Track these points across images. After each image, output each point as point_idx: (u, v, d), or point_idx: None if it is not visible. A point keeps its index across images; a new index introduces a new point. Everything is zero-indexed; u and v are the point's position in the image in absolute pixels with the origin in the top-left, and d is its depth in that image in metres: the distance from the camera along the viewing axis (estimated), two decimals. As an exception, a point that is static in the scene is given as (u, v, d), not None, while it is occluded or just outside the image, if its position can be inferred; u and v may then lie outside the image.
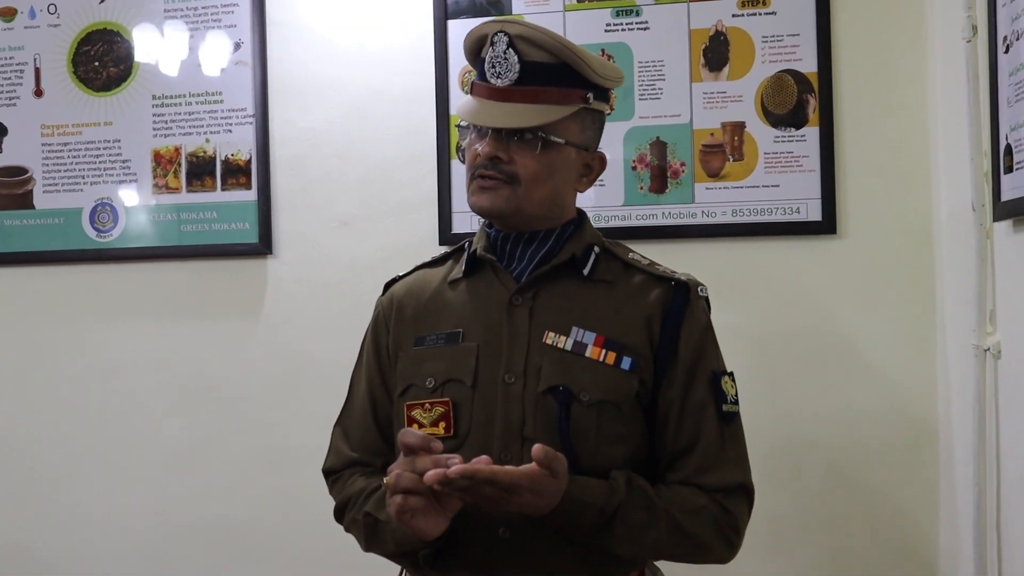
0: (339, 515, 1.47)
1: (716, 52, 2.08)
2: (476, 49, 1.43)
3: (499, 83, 1.37)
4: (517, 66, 1.36)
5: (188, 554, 2.33)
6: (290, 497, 2.25)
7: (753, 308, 2.08)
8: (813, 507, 2.06)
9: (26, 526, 2.40)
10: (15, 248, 2.40)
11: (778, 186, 2.06)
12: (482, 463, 1.19)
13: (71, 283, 2.40)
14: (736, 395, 1.43)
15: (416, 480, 1.20)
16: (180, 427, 2.33)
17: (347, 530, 1.46)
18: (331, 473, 1.51)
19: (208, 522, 2.31)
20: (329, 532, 2.19)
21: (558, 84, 1.37)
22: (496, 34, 1.38)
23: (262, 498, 2.29)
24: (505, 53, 1.37)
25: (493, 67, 1.38)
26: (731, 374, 1.44)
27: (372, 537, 1.39)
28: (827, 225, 2.04)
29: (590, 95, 1.40)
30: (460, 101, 1.45)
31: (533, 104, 1.36)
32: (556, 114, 1.37)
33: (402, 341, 1.46)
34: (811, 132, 2.05)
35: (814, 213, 2.04)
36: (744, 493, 1.39)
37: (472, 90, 1.42)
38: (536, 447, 1.20)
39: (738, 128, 2.07)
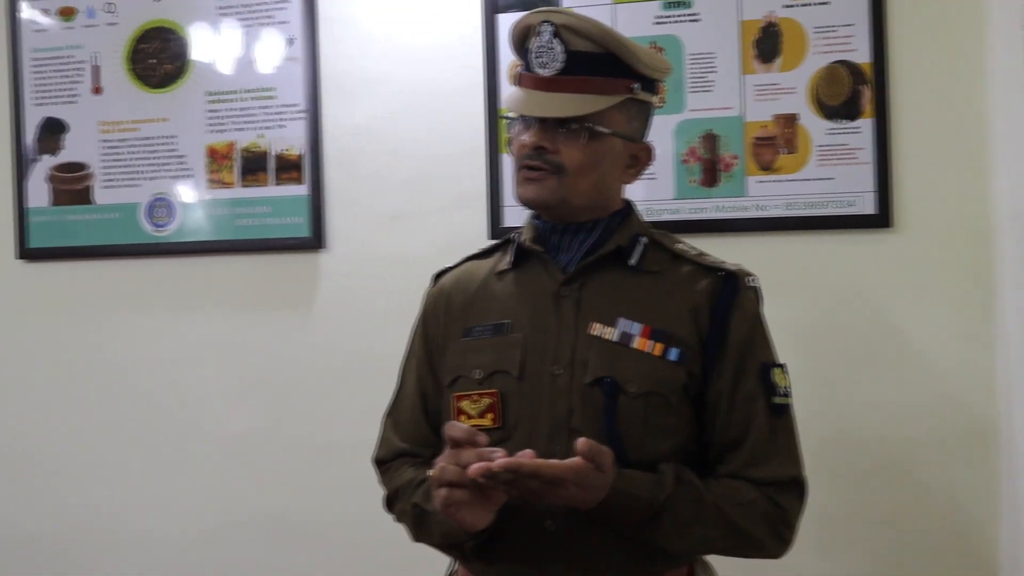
0: (389, 505, 1.49)
1: (768, 44, 2.06)
2: (522, 40, 1.43)
3: (544, 73, 1.37)
4: (562, 55, 1.36)
5: (240, 543, 2.37)
6: (340, 488, 2.27)
7: (806, 302, 2.05)
8: (866, 504, 2.04)
9: (93, 510, 2.46)
10: (75, 242, 2.46)
11: (832, 179, 2.03)
12: (526, 456, 1.19)
13: (128, 276, 2.45)
14: (788, 387, 1.41)
15: (460, 473, 1.20)
16: (233, 417, 2.37)
17: (397, 520, 1.48)
18: (381, 463, 1.53)
19: (259, 512, 2.35)
20: (379, 524, 2.21)
21: (604, 74, 1.36)
22: (541, 23, 1.37)
23: (312, 489, 2.32)
24: (550, 42, 1.36)
25: (538, 57, 1.38)
26: (783, 366, 1.42)
27: (420, 528, 1.40)
28: (882, 218, 2.00)
29: (636, 85, 1.39)
30: (507, 93, 1.45)
31: (579, 94, 1.36)
32: (602, 104, 1.36)
33: (450, 332, 1.47)
34: (865, 124, 2.01)
35: (868, 206, 2.01)
36: (796, 486, 1.38)
37: (518, 81, 1.43)
38: (581, 441, 1.20)
39: (790, 120, 2.05)
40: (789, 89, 2.05)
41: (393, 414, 1.54)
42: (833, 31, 2.03)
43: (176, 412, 2.41)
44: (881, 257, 2.03)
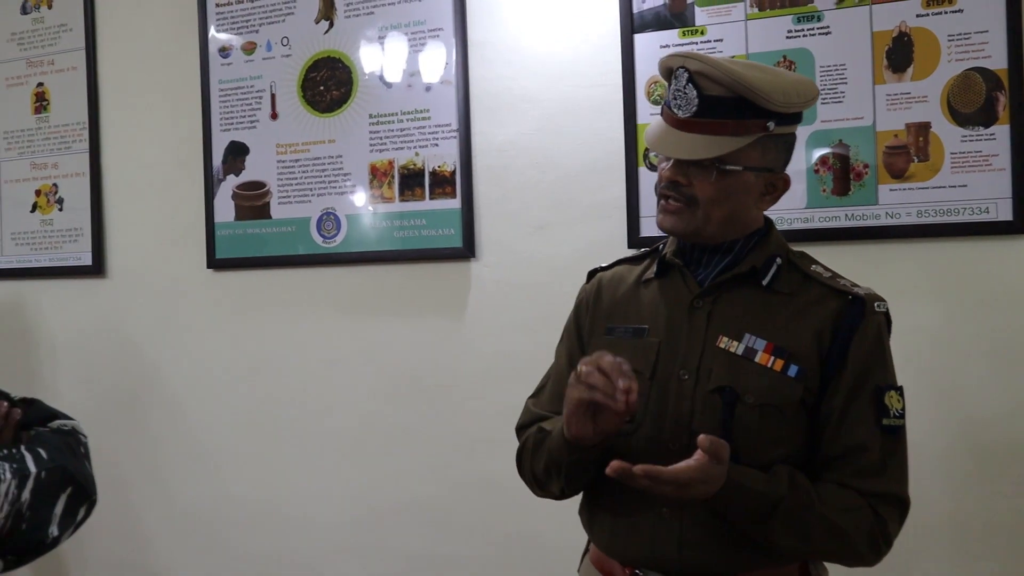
0: (519, 460, 1.62)
1: (900, 53, 2.08)
2: (667, 76, 1.52)
3: (680, 114, 1.46)
4: (696, 100, 1.44)
5: (393, 528, 2.58)
6: (488, 481, 2.44)
7: (940, 309, 2.07)
8: (1001, 512, 2.03)
9: (266, 495, 2.74)
10: (256, 253, 2.73)
11: (966, 186, 2.04)
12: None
13: (301, 283, 2.70)
14: (902, 409, 1.45)
15: (599, 384, 1.33)
16: (392, 414, 2.58)
17: (520, 460, 1.61)
18: (521, 429, 1.66)
19: (415, 500, 2.55)
20: (524, 514, 2.36)
21: (736, 116, 1.43)
22: (678, 69, 1.46)
23: (463, 481, 2.49)
24: (685, 88, 1.45)
25: (675, 99, 1.47)
26: (900, 388, 1.46)
27: (536, 451, 1.54)
28: (1019, 224, 2.00)
29: (771, 123, 1.44)
30: (651, 123, 1.55)
31: (711, 135, 1.43)
32: (732, 145, 1.43)
33: (596, 328, 1.60)
34: (1001, 130, 2.01)
35: (1004, 212, 2.01)
36: (898, 504, 1.43)
37: (662, 113, 1.52)
38: (701, 437, 1.31)
39: (923, 128, 2.06)
40: (921, 98, 2.07)
41: (536, 394, 1.68)
42: (967, 38, 2.04)
43: (341, 407, 2.64)
44: (1018, 263, 2.02)
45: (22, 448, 1.38)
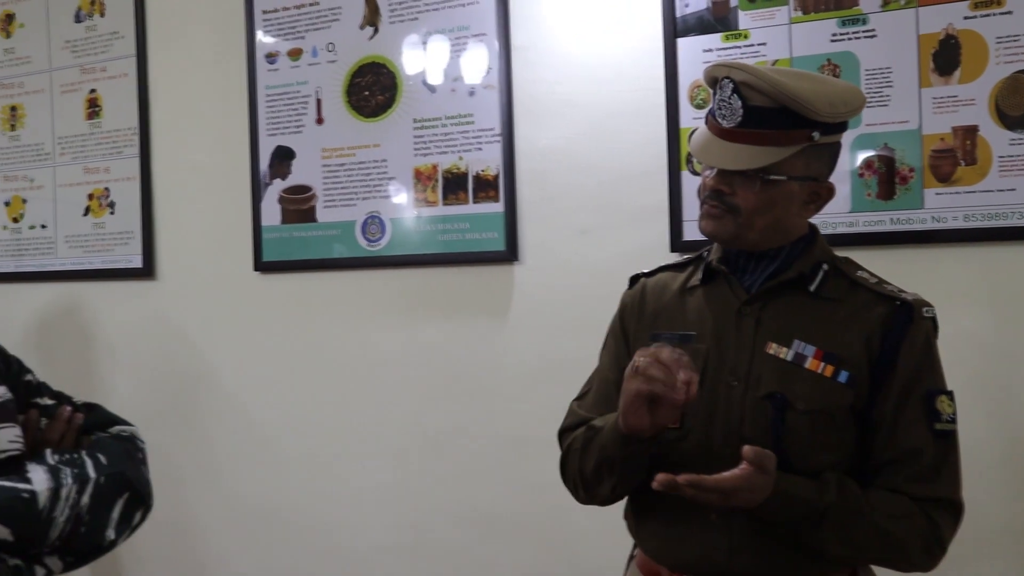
0: (563, 465, 1.62)
1: (946, 56, 2.06)
2: (712, 86, 1.53)
3: (725, 124, 1.47)
4: (740, 111, 1.45)
5: (442, 529, 2.60)
6: (533, 483, 2.45)
7: (988, 314, 2.05)
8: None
9: (310, 495, 2.78)
10: (301, 256, 2.77)
11: (1014, 190, 2.01)
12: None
13: (346, 286, 2.73)
14: (954, 414, 1.45)
15: (660, 375, 1.34)
16: (435, 415, 2.61)
17: (564, 463, 1.60)
18: (564, 432, 1.66)
19: (458, 502, 2.57)
20: (569, 517, 2.38)
21: (781, 127, 1.44)
22: (723, 79, 1.47)
23: (507, 483, 2.51)
24: (730, 98, 1.46)
25: (720, 109, 1.48)
26: (950, 393, 1.47)
27: (585, 450, 1.53)
28: (1069, 229, 1.98)
29: (816, 133, 1.45)
30: (696, 131, 1.55)
31: (755, 146, 1.44)
32: (776, 156, 1.44)
33: (640, 334, 1.61)
34: (1051, 134, 1.99)
35: (1054, 217, 1.99)
36: (951, 508, 1.43)
37: (706, 122, 1.53)
38: (746, 448, 1.32)
39: (970, 132, 2.04)
40: (968, 101, 2.04)
41: (581, 397, 1.70)
42: (1016, 40, 2.01)
43: (385, 408, 2.67)
44: (1068, 267, 2.00)
45: (83, 453, 1.42)
